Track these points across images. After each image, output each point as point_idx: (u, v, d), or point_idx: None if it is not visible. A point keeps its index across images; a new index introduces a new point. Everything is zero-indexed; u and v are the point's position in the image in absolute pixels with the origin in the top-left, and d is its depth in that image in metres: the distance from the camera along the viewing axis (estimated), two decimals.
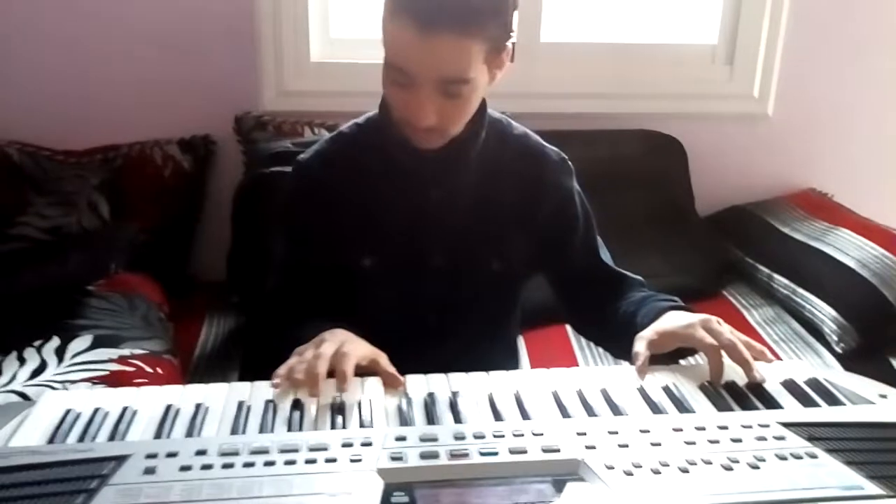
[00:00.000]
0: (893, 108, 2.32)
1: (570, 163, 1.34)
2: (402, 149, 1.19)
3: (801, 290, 1.90)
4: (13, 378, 1.33)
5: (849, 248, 1.91)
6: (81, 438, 0.85)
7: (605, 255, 1.36)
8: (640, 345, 1.07)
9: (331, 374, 0.96)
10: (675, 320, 1.10)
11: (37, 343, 1.42)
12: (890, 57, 2.27)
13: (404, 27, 1.04)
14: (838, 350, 1.76)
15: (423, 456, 0.79)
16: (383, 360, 1.03)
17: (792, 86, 2.25)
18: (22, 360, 1.38)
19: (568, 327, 1.86)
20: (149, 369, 1.43)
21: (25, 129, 1.98)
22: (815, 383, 1.00)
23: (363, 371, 1.01)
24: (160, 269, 1.88)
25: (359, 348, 1.02)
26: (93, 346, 1.44)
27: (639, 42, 2.23)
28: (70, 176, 1.92)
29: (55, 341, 1.43)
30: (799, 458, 0.79)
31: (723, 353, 1.02)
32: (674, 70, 2.21)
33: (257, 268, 1.40)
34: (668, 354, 1.08)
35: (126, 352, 1.44)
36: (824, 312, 1.82)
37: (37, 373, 1.35)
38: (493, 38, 1.08)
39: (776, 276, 1.99)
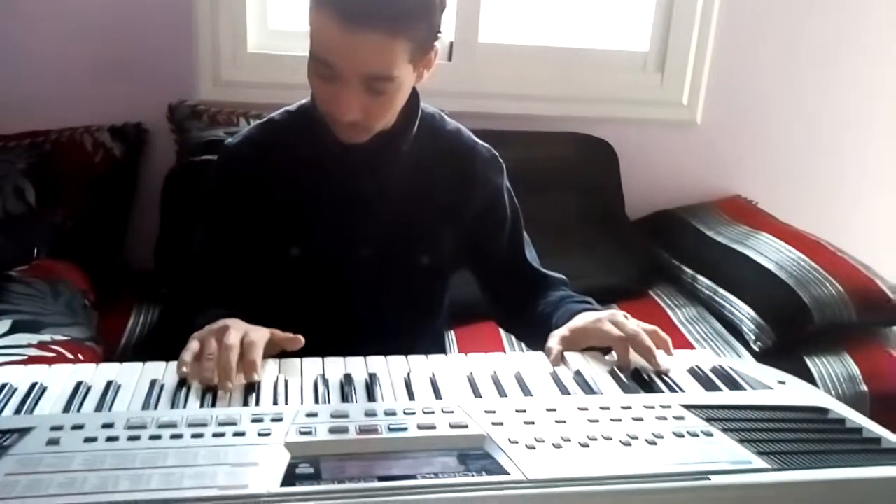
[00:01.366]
0: (817, 117, 2.41)
1: (500, 160, 1.36)
2: (330, 139, 1.20)
3: (722, 291, 1.96)
4: None
5: (769, 252, 1.98)
6: None
7: (531, 254, 1.39)
8: (554, 341, 1.11)
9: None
10: (585, 318, 1.14)
11: None
12: (816, 66, 2.36)
13: (328, 20, 1.04)
14: (756, 349, 1.83)
15: (332, 431, 0.80)
16: (277, 334, 1.03)
17: (720, 94, 2.33)
18: None
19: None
20: (70, 355, 1.40)
21: None
22: (718, 370, 1.05)
23: (266, 354, 1.00)
24: (89, 257, 1.85)
25: (261, 333, 1.01)
26: (11, 331, 1.41)
27: (574, 47, 2.28)
28: None
29: None
30: (695, 435, 0.83)
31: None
32: (607, 75, 2.26)
33: (183, 256, 1.39)
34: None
35: (46, 337, 1.42)
36: (743, 312, 1.88)
37: None
38: (419, 39, 1.09)
39: (700, 277, 2.05)
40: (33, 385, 0.90)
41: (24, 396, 0.87)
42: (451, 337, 1.84)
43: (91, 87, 2.02)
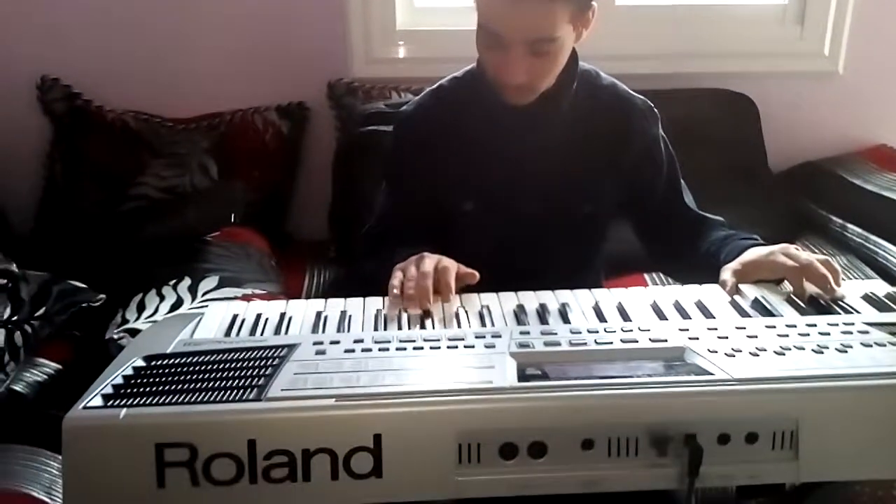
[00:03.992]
0: None
1: (655, 110, 1.43)
2: (498, 102, 1.30)
3: (874, 238, 1.96)
4: (156, 311, 1.50)
5: None
6: (251, 334, 1.00)
7: (689, 198, 1.45)
8: (727, 274, 1.17)
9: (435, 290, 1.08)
10: (757, 251, 1.20)
11: (172, 282, 1.58)
12: None
13: None
14: None
15: (547, 344, 0.91)
16: (461, 268, 1.15)
17: (862, 43, 2.29)
18: (161, 297, 1.54)
19: (646, 276, 1.96)
20: None
21: (138, 99, 2.16)
22: (892, 295, 1.09)
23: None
24: (262, 226, 2.04)
25: (451, 261, 1.14)
26: (219, 286, 1.60)
27: (710, 3, 2.29)
28: (182, 140, 2.09)
29: (187, 281, 1.59)
30: (882, 345, 0.89)
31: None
32: (745, 30, 2.27)
33: (357, 222, 1.53)
34: None
35: (248, 291, 1.60)
36: None
37: (175, 307, 1.52)
38: (577, 0, 1.18)
39: (849, 225, 2.05)
40: (282, 314, 1.05)
41: (277, 323, 1.03)
42: None
43: (254, 70, 2.20)
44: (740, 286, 1.14)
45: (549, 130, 1.34)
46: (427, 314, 1.04)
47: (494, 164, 1.36)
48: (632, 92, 1.43)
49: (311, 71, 2.19)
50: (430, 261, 1.12)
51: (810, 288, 1.11)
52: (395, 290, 1.09)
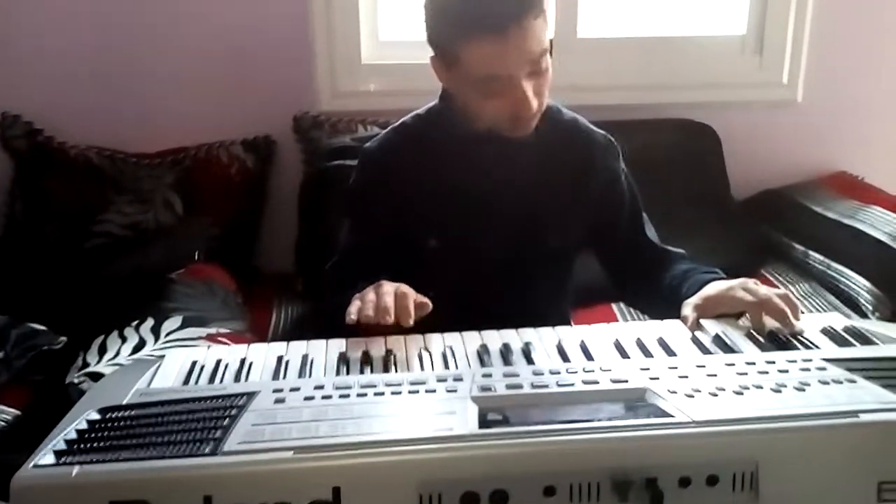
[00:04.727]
0: None
1: (616, 145, 1.45)
2: (465, 138, 1.31)
3: (836, 265, 1.99)
4: (117, 353, 1.48)
5: (880, 224, 2.00)
6: (210, 382, 0.98)
7: (651, 232, 1.47)
8: (688, 309, 1.18)
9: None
10: (717, 286, 1.21)
11: (134, 323, 1.56)
12: None
13: (484, 42, 1.16)
14: (873, 319, 1.85)
15: (509, 387, 0.90)
16: (417, 297, 1.14)
17: (820, 72, 2.34)
18: (123, 338, 1.52)
19: (613, 306, 1.97)
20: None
21: (102, 135, 2.14)
22: (850, 329, 1.11)
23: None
24: (229, 261, 2.02)
25: (410, 289, 1.14)
26: (183, 326, 1.58)
27: (672, 35, 2.34)
28: (145, 176, 2.07)
29: (150, 322, 1.57)
30: (839, 382, 0.89)
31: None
32: (705, 61, 2.31)
33: (323, 255, 1.52)
34: None
35: (213, 330, 1.58)
36: (859, 284, 1.91)
37: (137, 349, 1.49)
38: (544, 12, 1.20)
39: (811, 252, 2.08)
40: (242, 360, 1.04)
41: (237, 369, 1.02)
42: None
43: (220, 104, 2.20)
44: (702, 321, 1.15)
45: (512, 165, 1.35)
46: (389, 353, 1.04)
47: (459, 200, 1.36)
48: (593, 127, 1.45)
49: (277, 104, 2.19)
50: (388, 286, 1.13)
51: (770, 322, 1.12)
52: (351, 316, 1.09)
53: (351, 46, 2.21)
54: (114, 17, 2.12)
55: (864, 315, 1.88)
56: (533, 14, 1.17)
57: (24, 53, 2.12)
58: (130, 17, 2.13)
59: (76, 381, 1.39)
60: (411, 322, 1.08)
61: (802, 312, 1.14)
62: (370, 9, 2.23)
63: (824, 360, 0.96)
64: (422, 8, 1.25)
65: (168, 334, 1.54)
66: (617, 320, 1.94)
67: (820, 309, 1.95)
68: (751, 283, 1.18)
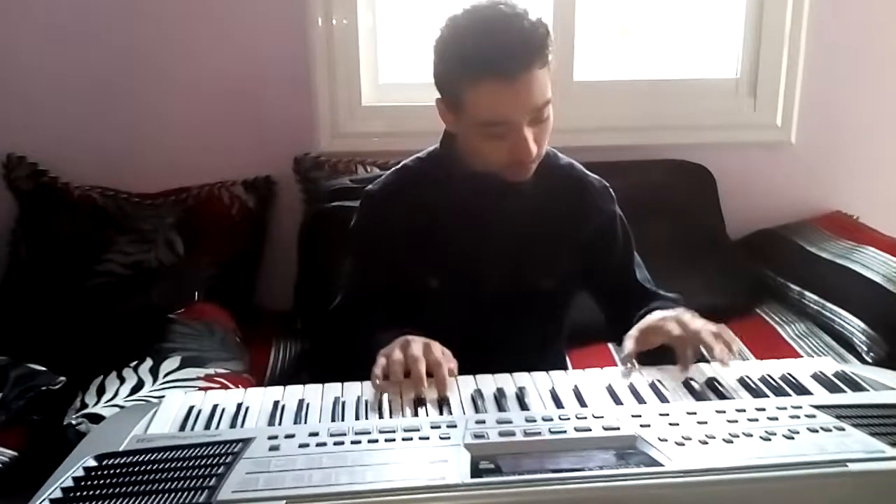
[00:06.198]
0: None
1: (610, 190, 1.48)
2: (466, 182, 1.33)
3: (830, 306, 2.00)
4: (116, 394, 1.48)
5: (875, 265, 2.01)
6: (207, 427, 0.99)
7: (642, 275, 1.49)
8: (629, 342, 1.20)
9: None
10: (652, 317, 1.24)
11: (133, 364, 1.57)
12: None
13: (492, 86, 1.19)
14: (868, 360, 1.86)
15: (502, 434, 0.92)
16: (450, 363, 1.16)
17: (813, 113, 2.38)
18: (122, 379, 1.53)
19: (610, 345, 1.98)
20: (232, 386, 1.57)
21: (105, 175, 2.17)
22: (841, 374, 1.12)
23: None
24: (229, 299, 2.04)
25: (440, 351, 1.15)
26: (182, 366, 1.59)
27: (666, 78, 2.38)
28: (147, 216, 2.10)
29: (148, 362, 1.58)
30: (828, 430, 0.91)
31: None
32: (700, 103, 2.35)
33: (323, 295, 1.54)
34: (656, 351, 1.20)
35: (211, 371, 1.59)
36: (854, 325, 1.92)
37: (135, 390, 1.50)
38: (549, 62, 1.24)
39: (806, 293, 2.10)
40: (238, 405, 1.05)
41: (233, 414, 1.03)
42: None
43: (221, 144, 2.24)
44: (700, 366, 1.16)
45: (509, 208, 1.37)
46: (420, 402, 1.05)
47: (458, 242, 1.38)
48: (588, 172, 1.47)
49: (278, 145, 2.22)
50: (416, 346, 1.14)
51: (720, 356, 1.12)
52: (377, 381, 1.10)
53: (351, 88, 2.25)
54: (117, 61, 2.16)
55: (859, 355, 1.89)
56: (540, 64, 1.20)
57: (29, 95, 2.16)
58: (134, 61, 2.17)
59: (74, 422, 1.39)
60: (445, 391, 1.09)
61: (738, 353, 1.17)
62: (370, 51, 2.27)
63: (814, 406, 0.98)
64: (431, 49, 1.28)
65: (166, 375, 1.55)
66: (613, 359, 1.95)
67: (815, 349, 1.95)
68: (687, 315, 1.20)
